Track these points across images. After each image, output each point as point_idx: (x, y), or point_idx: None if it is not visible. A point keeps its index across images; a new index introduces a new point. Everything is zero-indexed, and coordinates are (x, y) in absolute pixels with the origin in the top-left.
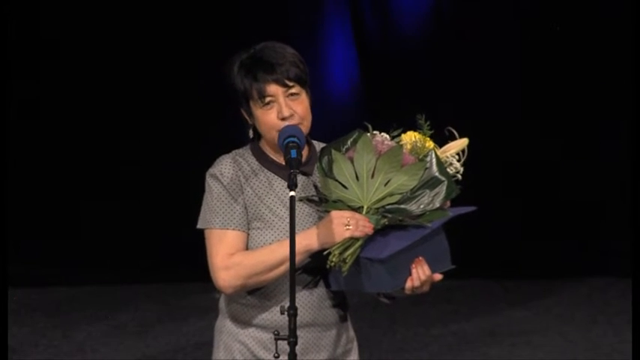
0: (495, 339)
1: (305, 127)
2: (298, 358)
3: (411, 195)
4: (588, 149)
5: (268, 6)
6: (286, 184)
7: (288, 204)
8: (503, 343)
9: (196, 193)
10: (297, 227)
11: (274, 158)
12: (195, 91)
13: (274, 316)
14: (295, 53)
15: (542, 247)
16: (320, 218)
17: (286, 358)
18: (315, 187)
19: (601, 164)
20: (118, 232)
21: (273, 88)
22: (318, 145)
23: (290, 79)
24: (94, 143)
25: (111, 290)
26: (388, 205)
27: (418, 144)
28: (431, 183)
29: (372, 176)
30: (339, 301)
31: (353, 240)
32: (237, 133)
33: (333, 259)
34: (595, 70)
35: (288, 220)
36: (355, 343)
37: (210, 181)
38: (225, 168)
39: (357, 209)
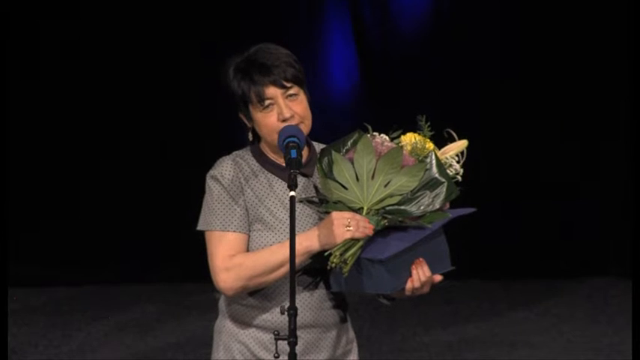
0: (495, 339)
1: (306, 127)
2: (298, 358)
3: (411, 196)
4: (588, 149)
5: (268, 6)
6: (286, 185)
7: (288, 205)
8: (503, 343)
9: (197, 193)
10: (297, 228)
11: (274, 160)
12: (195, 91)
13: (274, 316)
14: (289, 54)
15: (542, 247)
16: (320, 219)
17: (286, 358)
18: (316, 188)
19: (601, 164)
20: (118, 232)
21: (271, 91)
22: (318, 147)
23: (287, 80)
24: (94, 143)
25: (111, 290)
26: (388, 206)
27: (418, 145)
28: (431, 184)
29: (373, 177)
30: (339, 302)
31: (353, 241)
32: (238, 133)
33: (334, 260)
34: (595, 69)
35: (288, 222)
36: (355, 344)
37: (210, 183)
38: (225, 169)
39: (358, 210)
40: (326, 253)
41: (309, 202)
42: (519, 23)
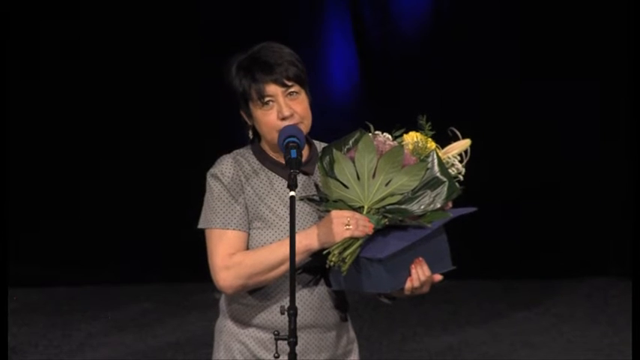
0: (495, 339)
1: (305, 127)
2: (299, 358)
3: (412, 195)
4: (588, 149)
5: (268, 6)
6: (287, 183)
7: (288, 204)
8: (503, 343)
9: (196, 193)
10: (297, 227)
11: (275, 158)
12: (195, 91)
13: (274, 316)
14: (292, 53)
15: (542, 247)
16: (320, 218)
17: (286, 358)
18: (316, 186)
19: (601, 164)
20: (118, 232)
21: (272, 88)
22: (319, 145)
23: (289, 79)
24: (94, 143)
25: (111, 290)
26: (389, 205)
27: (420, 144)
28: (432, 183)
29: (373, 176)
30: (340, 301)
31: (352, 240)
32: (238, 133)
33: (333, 259)
34: (595, 70)
35: (288, 219)
36: (356, 344)
37: (210, 181)
38: (225, 168)
39: (358, 209)
40: (325, 252)
41: (309, 200)
42: (519, 23)
